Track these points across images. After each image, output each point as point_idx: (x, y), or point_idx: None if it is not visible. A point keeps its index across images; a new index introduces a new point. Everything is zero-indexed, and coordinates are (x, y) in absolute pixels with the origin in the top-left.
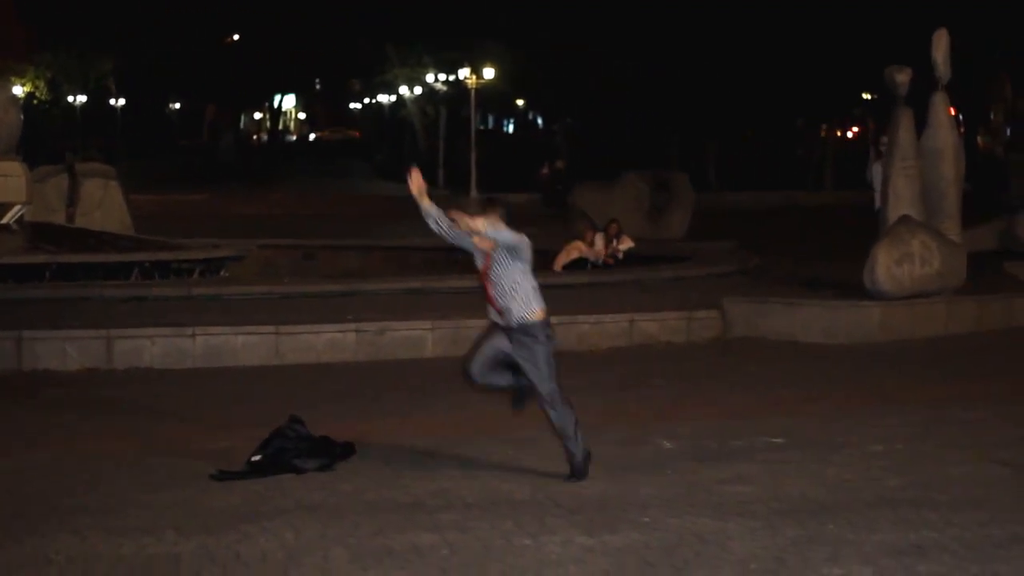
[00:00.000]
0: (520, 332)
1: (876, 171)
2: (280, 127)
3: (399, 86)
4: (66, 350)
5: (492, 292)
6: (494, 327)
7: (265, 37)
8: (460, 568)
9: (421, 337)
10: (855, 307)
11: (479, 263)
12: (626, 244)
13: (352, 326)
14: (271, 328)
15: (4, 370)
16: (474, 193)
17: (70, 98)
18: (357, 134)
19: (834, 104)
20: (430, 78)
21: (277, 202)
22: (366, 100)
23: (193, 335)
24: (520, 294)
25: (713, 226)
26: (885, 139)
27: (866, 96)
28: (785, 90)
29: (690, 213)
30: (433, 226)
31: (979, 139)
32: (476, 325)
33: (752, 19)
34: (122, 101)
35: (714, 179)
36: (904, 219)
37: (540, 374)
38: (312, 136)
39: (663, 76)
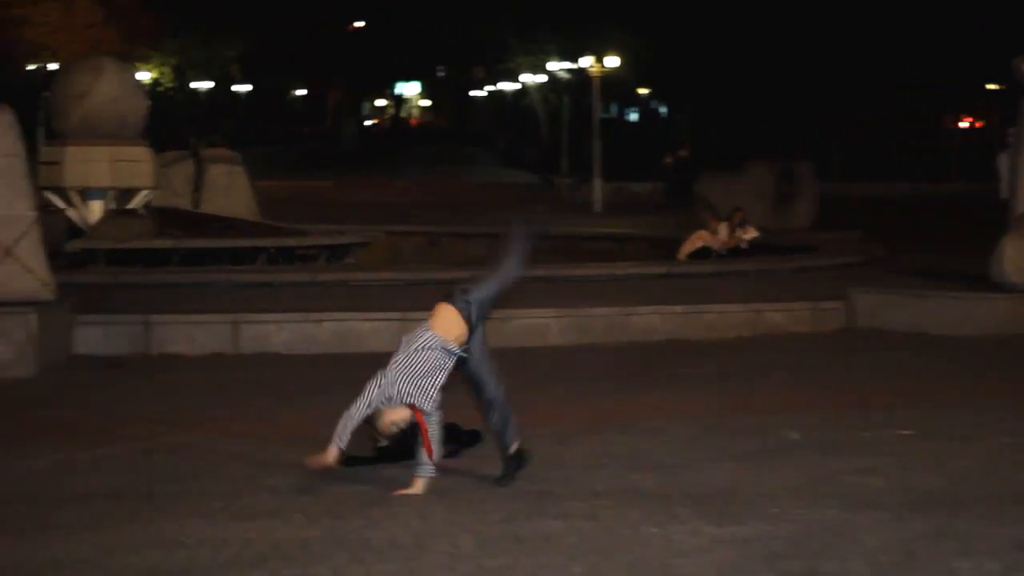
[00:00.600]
0: None
1: (1003, 161)
2: (402, 114)
3: (522, 74)
4: (193, 335)
5: None
6: None
7: (388, 24)
8: (587, 556)
9: (545, 325)
10: (983, 299)
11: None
12: (750, 233)
13: None
14: (397, 314)
15: (132, 353)
16: (597, 182)
17: (195, 84)
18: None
19: (960, 94)
20: (553, 66)
21: (399, 189)
22: (488, 88)
23: (320, 320)
24: None
25: (838, 216)
26: (1012, 130)
27: (992, 87)
28: (912, 80)
29: (815, 203)
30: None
31: None
32: (600, 313)
33: (879, 8)
34: (247, 87)
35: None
36: None
37: None
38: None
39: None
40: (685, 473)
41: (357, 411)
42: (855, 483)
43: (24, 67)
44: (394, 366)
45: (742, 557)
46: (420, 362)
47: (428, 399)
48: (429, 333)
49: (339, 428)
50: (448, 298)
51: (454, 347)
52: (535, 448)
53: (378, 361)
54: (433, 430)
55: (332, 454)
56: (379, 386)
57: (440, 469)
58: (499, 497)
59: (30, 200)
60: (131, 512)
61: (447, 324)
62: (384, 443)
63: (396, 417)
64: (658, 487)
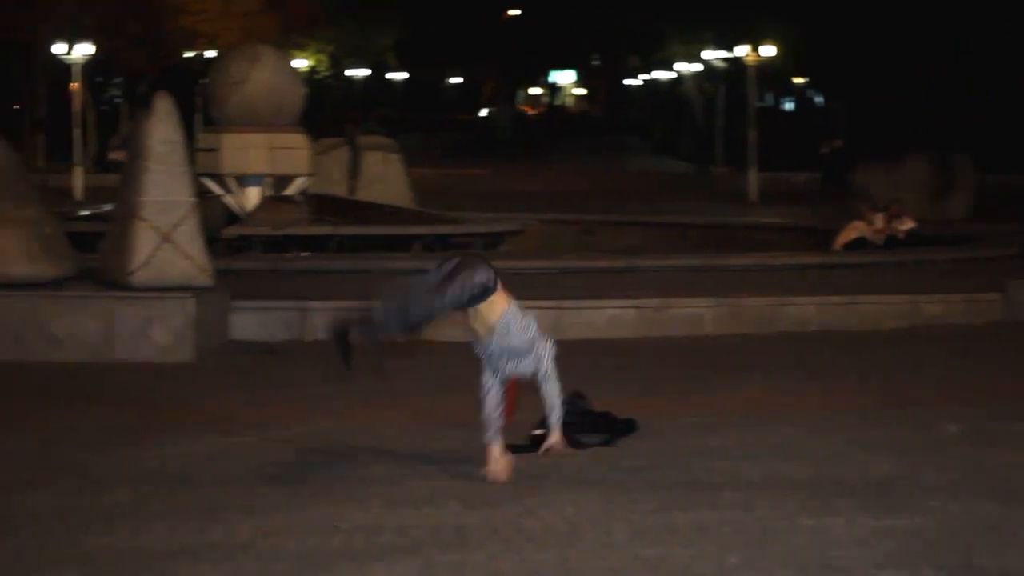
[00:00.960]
0: None
1: None
2: (557, 103)
3: (677, 62)
4: None
5: None
6: None
7: (544, 12)
8: (742, 547)
9: (700, 315)
10: None
11: None
12: (907, 224)
13: (632, 302)
14: (552, 303)
15: (288, 340)
16: (752, 171)
17: (351, 72)
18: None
19: None
20: (708, 54)
21: (553, 177)
22: (643, 76)
23: None
24: None
25: (997, 208)
26: None
27: None
28: None
29: (973, 194)
30: None
31: None
32: (756, 304)
33: None
34: (402, 75)
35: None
36: None
37: None
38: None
39: (949, 53)
40: (840, 464)
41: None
42: (1014, 477)
43: (182, 55)
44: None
45: (899, 549)
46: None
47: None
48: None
49: (488, 430)
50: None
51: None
52: (688, 438)
53: None
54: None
55: (497, 453)
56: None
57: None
58: (653, 486)
59: (188, 187)
60: (287, 497)
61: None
62: (539, 431)
63: None
64: (812, 478)
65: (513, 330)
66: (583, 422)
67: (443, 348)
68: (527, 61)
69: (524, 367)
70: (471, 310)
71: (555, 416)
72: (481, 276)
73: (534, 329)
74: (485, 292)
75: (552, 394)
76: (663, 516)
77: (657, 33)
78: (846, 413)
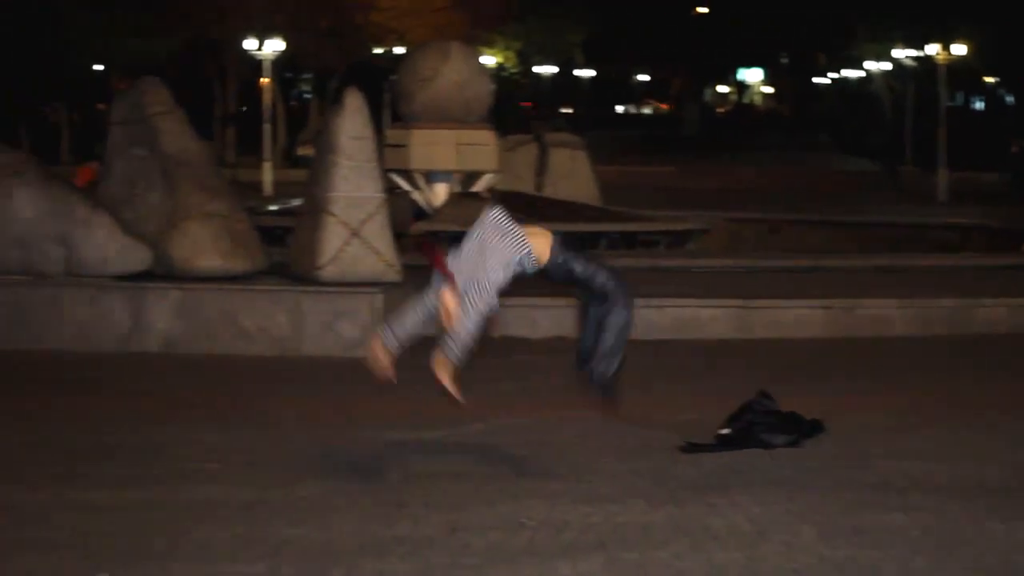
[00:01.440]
0: None
1: None
2: (745, 101)
3: (866, 61)
4: (536, 318)
5: None
6: None
7: (733, 10)
8: (931, 551)
9: (889, 316)
10: None
11: None
12: None
13: (819, 302)
14: (738, 301)
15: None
16: (942, 171)
17: (538, 69)
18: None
19: None
20: (898, 53)
21: (740, 176)
22: (831, 75)
23: (661, 306)
24: None
25: None
26: None
27: None
28: None
29: None
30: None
31: None
32: (945, 305)
33: None
34: (590, 72)
35: None
36: None
37: None
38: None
39: None
40: None
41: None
42: None
43: (371, 51)
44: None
45: None
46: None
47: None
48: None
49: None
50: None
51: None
52: (876, 439)
53: (716, 348)
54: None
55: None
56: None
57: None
58: (840, 487)
59: (377, 182)
60: (474, 492)
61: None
62: (726, 431)
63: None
64: (1002, 482)
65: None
66: (769, 422)
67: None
68: (715, 59)
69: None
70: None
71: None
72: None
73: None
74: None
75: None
76: (850, 517)
77: (846, 31)
78: None
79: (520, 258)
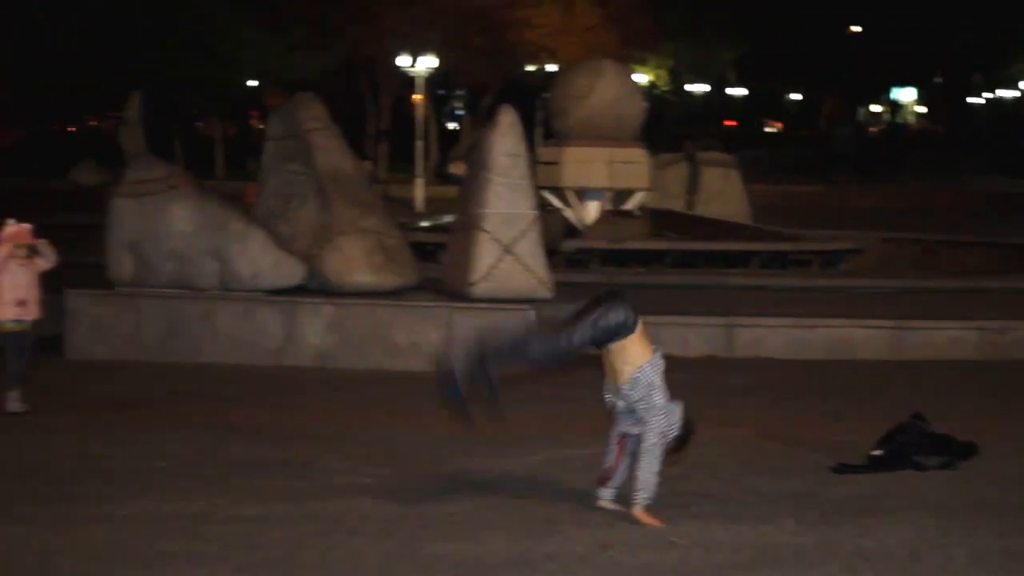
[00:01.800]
0: None
1: None
2: (898, 120)
3: (1021, 80)
4: (687, 336)
5: None
6: None
7: (886, 29)
8: None
9: None
10: None
11: None
12: None
13: (974, 324)
14: (891, 322)
15: None
16: None
17: (690, 87)
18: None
19: None
20: None
21: (893, 196)
22: (986, 94)
23: (814, 327)
24: None
25: None
26: None
27: None
28: None
29: None
30: None
31: None
32: None
33: None
34: (742, 91)
35: None
36: None
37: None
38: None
39: None
40: None
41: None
42: None
43: (524, 68)
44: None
45: None
46: None
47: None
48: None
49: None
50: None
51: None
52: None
53: (869, 368)
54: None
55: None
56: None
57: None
58: (993, 511)
59: (530, 200)
60: (623, 512)
61: None
62: (878, 452)
63: None
64: None
65: (638, 391)
66: (923, 444)
67: (771, 364)
68: (868, 78)
69: (633, 429)
70: (604, 350)
71: (641, 496)
72: (618, 315)
73: (657, 399)
74: (620, 330)
75: (645, 470)
76: (1004, 541)
77: (1002, 50)
78: None
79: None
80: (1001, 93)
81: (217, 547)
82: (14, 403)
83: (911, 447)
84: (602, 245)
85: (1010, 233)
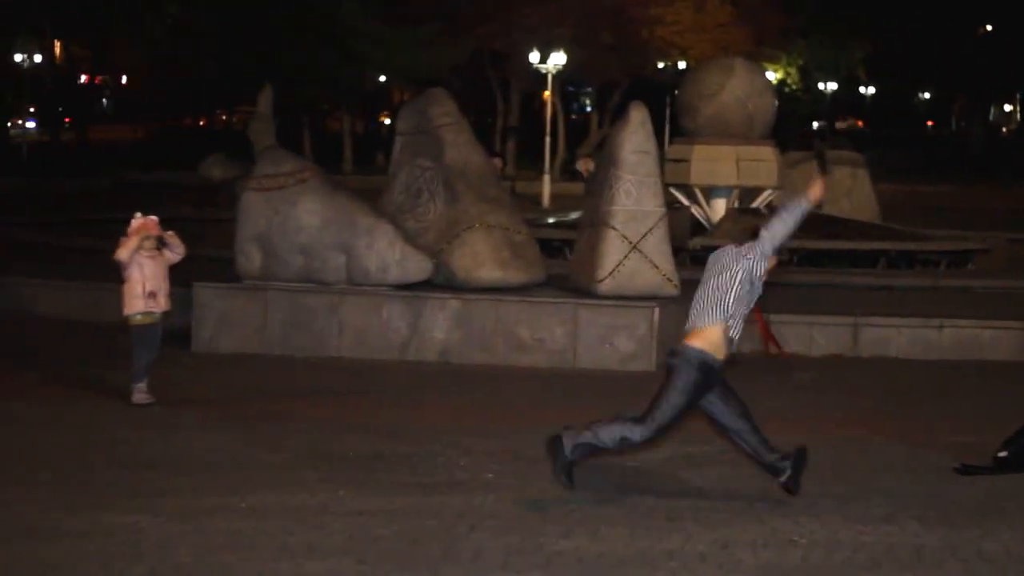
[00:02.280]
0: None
1: None
2: None
3: None
4: (812, 335)
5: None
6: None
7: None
8: None
9: None
10: None
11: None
12: None
13: None
14: (1019, 323)
15: (751, 351)
16: None
17: (821, 85)
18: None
19: None
20: None
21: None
22: None
23: (940, 327)
24: None
25: None
26: None
27: None
28: None
29: None
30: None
31: None
32: None
33: None
34: (871, 89)
35: None
36: None
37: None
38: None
39: None
40: None
41: None
42: None
43: (654, 65)
44: None
45: None
46: None
47: None
48: None
49: None
50: None
51: None
52: None
53: (996, 369)
54: None
55: None
56: None
57: None
58: None
59: (659, 197)
60: (746, 508)
61: None
62: (1003, 454)
63: None
64: None
65: None
66: None
67: (897, 364)
68: (1000, 77)
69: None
70: None
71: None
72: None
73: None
74: None
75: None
76: None
77: None
78: None
79: None
80: None
81: (340, 540)
82: (140, 395)
83: None
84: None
85: None
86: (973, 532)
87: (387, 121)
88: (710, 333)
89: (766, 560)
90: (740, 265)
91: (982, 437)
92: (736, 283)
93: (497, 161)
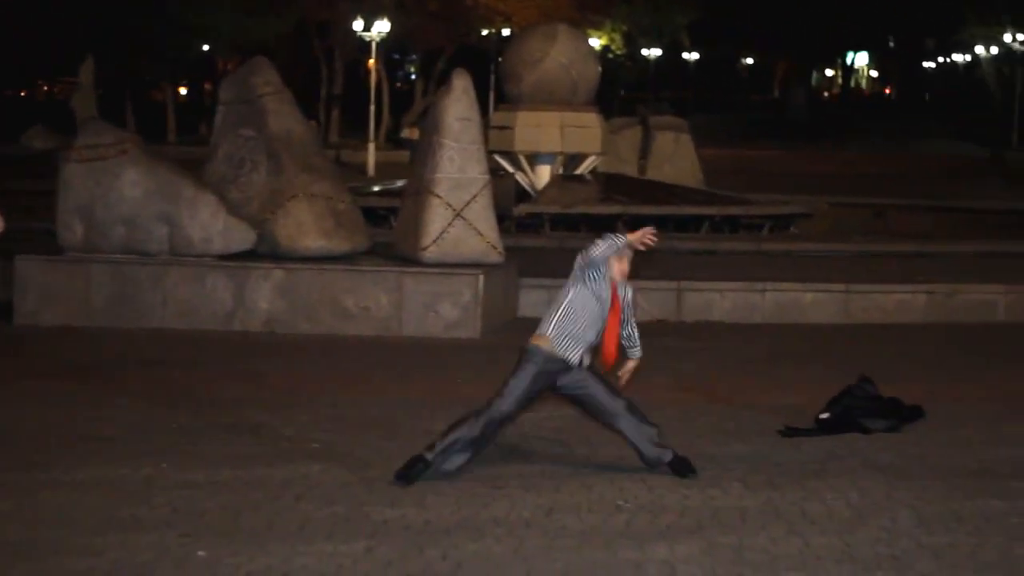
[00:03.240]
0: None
1: None
2: (852, 84)
3: (975, 45)
4: (637, 301)
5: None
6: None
7: None
8: None
9: (992, 301)
10: None
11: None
12: None
13: (923, 287)
14: (841, 286)
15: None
16: None
17: (644, 51)
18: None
19: None
20: (1008, 38)
21: (845, 160)
22: (939, 59)
23: (763, 290)
24: None
25: None
26: None
27: None
28: None
29: None
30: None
31: None
32: None
33: None
34: (695, 55)
35: None
36: None
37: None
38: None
39: None
40: None
41: None
42: None
43: (479, 32)
44: None
45: None
46: None
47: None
48: None
49: None
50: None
51: None
52: (976, 425)
53: (818, 332)
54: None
55: None
56: None
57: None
58: (938, 474)
59: (482, 164)
60: (572, 474)
61: None
62: (825, 415)
63: None
64: None
65: None
66: (870, 407)
67: (720, 328)
68: (821, 42)
69: None
70: None
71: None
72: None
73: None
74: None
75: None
76: (948, 504)
77: (955, 15)
78: None
79: None
80: (954, 57)
81: (165, 512)
82: None
83: (858, 410)
84: (553, 209)
85: (960, 197)
86: (796, 494)
87: (211, 91)
88: None
89: (591, 524)
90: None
91: (805, 399)
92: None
93: (312, 123)
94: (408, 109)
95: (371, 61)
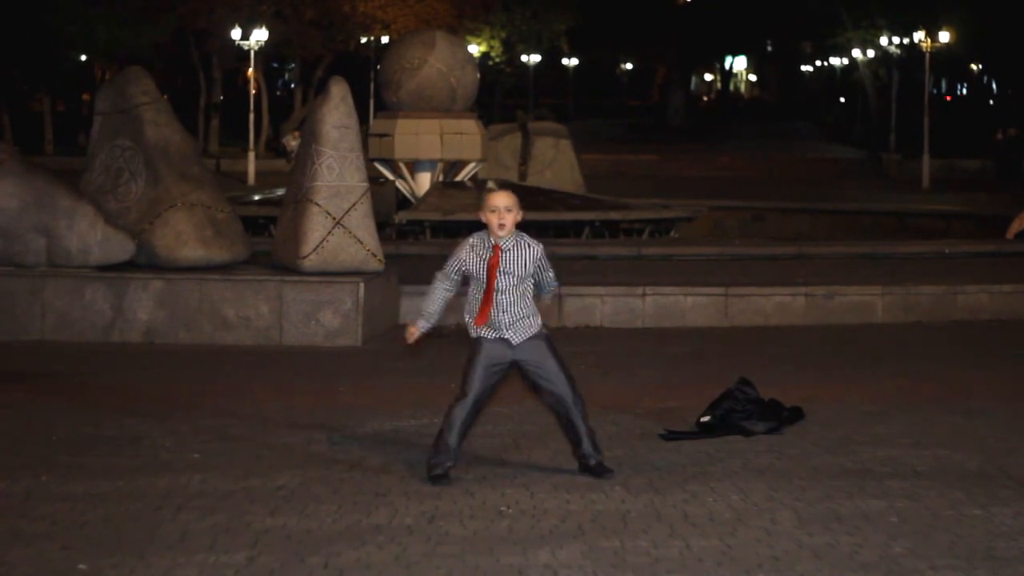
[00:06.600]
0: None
1: None
2: (731, 89)
3: (851, 49)
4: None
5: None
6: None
7: None
8: (908, 536)
9: (871, 303)
10: None
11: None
12: None
13: (802, 289)
14: (720, 289)
15: (459, 324)
16: (925, 158)
17: (524, 57)
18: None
19: None
20: (884, 41)
21: (725, 164)
22: (817, 63)
23: (643, 294)
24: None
25: None
26: None
27: None
28: None
29: None
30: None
31: None
32: (927, 291)
33: None
34: (574, 61)
35: None
36: None
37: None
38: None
39: None
40: (1008, 454)
41: None
42: None
43: (357, 40)
44: None
45: None
46: None
47: None
48: None
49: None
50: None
51: None
52: (855, 426)
53: (700, 335)
54: None
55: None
56: None
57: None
58: (819, 474)
59: (361, 172)
60: (453, 482)
61: None
62: (706, 418)
63: None
64: (980, 468)
65: None
66: (750, 409)
67: (601, 333)
68: (700, 46)
69: None
70: None
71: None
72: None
73: None
74: None
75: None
76: (828, 504)
77: (832, 19)
78: (1018, 403)
79: None
80: (831, 61)
81: (45, 526)
82: None
83: (739, 413)
84: (434, 217)
85: (838, 199)
86: (678, 496)
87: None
88: None
89: (473, 531)
90: None
91: (685, 402)
92: None
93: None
94: (287, 117)
95: (250, 70)
